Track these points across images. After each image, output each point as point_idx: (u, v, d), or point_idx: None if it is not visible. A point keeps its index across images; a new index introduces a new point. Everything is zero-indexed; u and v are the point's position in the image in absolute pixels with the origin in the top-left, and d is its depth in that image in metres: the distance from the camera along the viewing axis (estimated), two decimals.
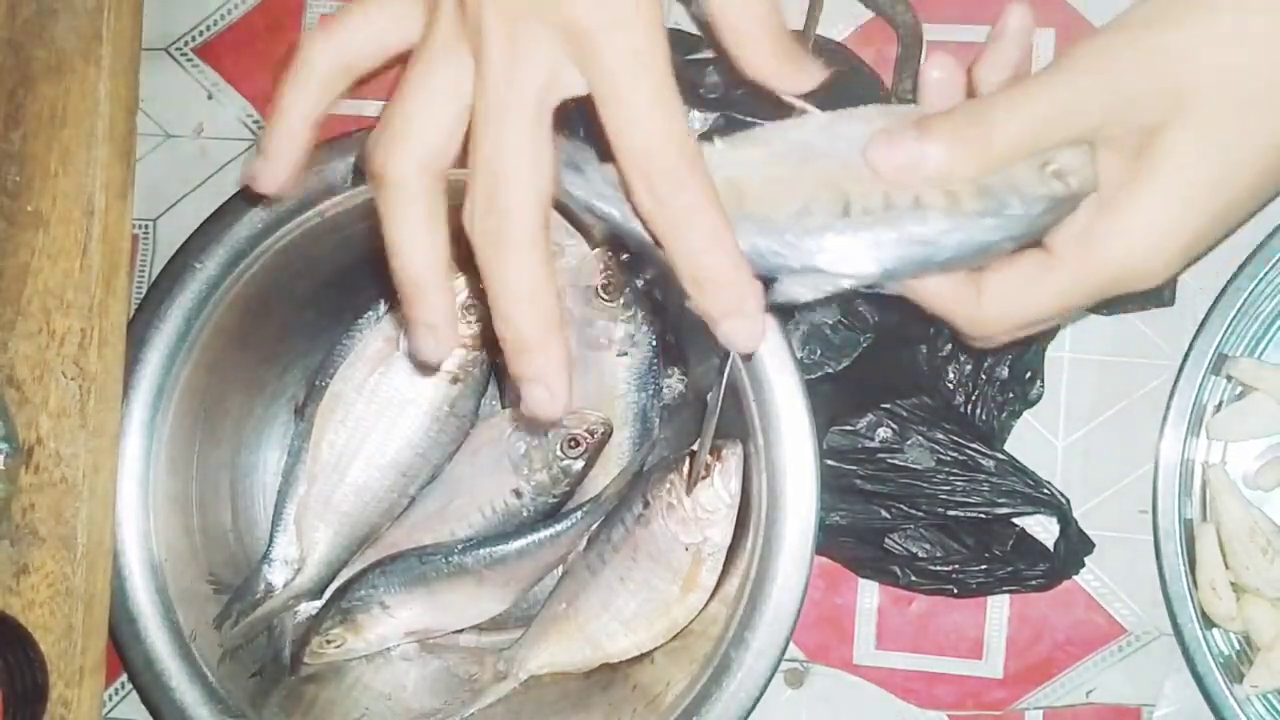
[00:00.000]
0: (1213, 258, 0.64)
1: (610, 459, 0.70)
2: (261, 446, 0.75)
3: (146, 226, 0.76)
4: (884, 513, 0.67)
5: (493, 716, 0.68)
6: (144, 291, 0.70)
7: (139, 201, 0.73)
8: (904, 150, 0.41)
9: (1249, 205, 0.42)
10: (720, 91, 0.67)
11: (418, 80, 0.42)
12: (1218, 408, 0.66)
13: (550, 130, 0.40)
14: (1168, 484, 0.64)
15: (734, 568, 0.64)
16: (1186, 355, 0.64)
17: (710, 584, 0.65)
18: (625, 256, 0.68)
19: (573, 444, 0.68)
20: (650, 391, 0.70)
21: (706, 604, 0.66)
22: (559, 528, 0.68)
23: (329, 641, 0.70)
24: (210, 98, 0.77)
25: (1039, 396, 0.68)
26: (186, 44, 0.77)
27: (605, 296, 0.67)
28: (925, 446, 0.67)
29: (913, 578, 0.68)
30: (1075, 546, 0.67)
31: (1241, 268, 0.63)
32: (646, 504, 0.65)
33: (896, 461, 0.67)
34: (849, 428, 0.67)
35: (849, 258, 0.42)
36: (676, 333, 0.70)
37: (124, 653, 0.67)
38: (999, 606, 0.70)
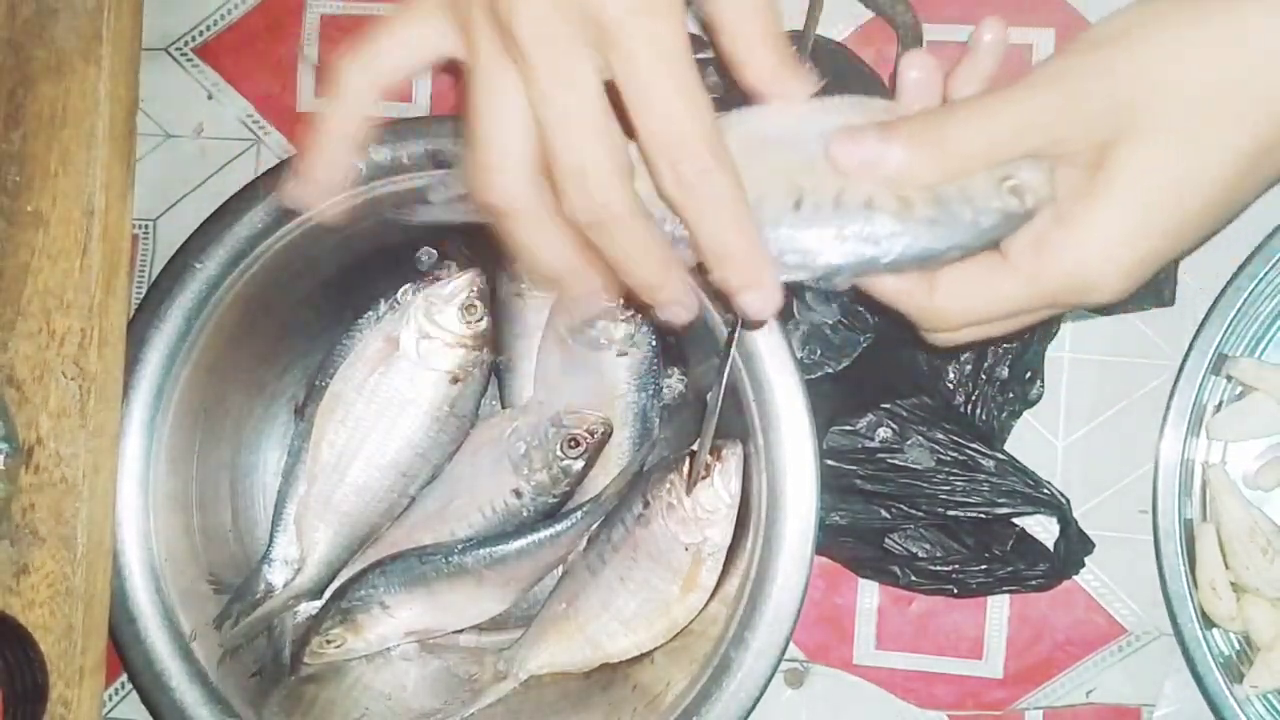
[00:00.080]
0: (1213, 258, 0.65)
1: (610, 459, 0.70)
2: (261, 446, 0.75)
3: (146, 226, 0.76)
4: (884, 513, 0.67)
5: (493, 716, 0.68)
6: (144, 291, 0.70)
7: (139, 201, 0.74)
8: (865, 148, 0.42)
9: (1205, 221, 0.43)
10: (720, 91, 0.67)
11: (481, 107, 0.43)
12: (1218, 408, 0.66)
13: (611, 110, 0.42)
14: (1168, 484, 0.64)
15: (734, 568, 0.64)
16: (1186, 355, 0.64)
17: (710, 584, 0.65)
18: None
19: (573, 444, 0.68)
20: (650, 391, 0.70)
21: (706, 604, 0.66)
22: (559, 528, 0.68)
23: (329, 641, 0.70)
24: (210, 98, 0.77)
25: (1039, 396, 0.68)
26: (186, 44, 0.77)
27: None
28: (925, 446, 0.67)
29: (913, 578, 0.68)
30: (1075, 546, 0.67)
31: (1241, 268, 0.63)
32: (646, 504, 0.65)
33: (896, 461, 0.67)
34: (849, 428, 0.67)
35: (797, 251, 0.43)
36: (676, 333, 0.70)
37: (124, 653, 0.67)
38: (999, 606, 0.70)
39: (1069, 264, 0.43)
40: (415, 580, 0.69)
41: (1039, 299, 0.44)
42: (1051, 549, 0.68)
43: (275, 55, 0.76)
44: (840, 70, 0.68)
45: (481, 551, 0.69)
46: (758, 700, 0.62)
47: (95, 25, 0.68)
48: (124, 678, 0.73)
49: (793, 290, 0.65)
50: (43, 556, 0.67)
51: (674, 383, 0.72)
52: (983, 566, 0.67)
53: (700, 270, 0.44)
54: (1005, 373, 0.68)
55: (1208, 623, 0.64)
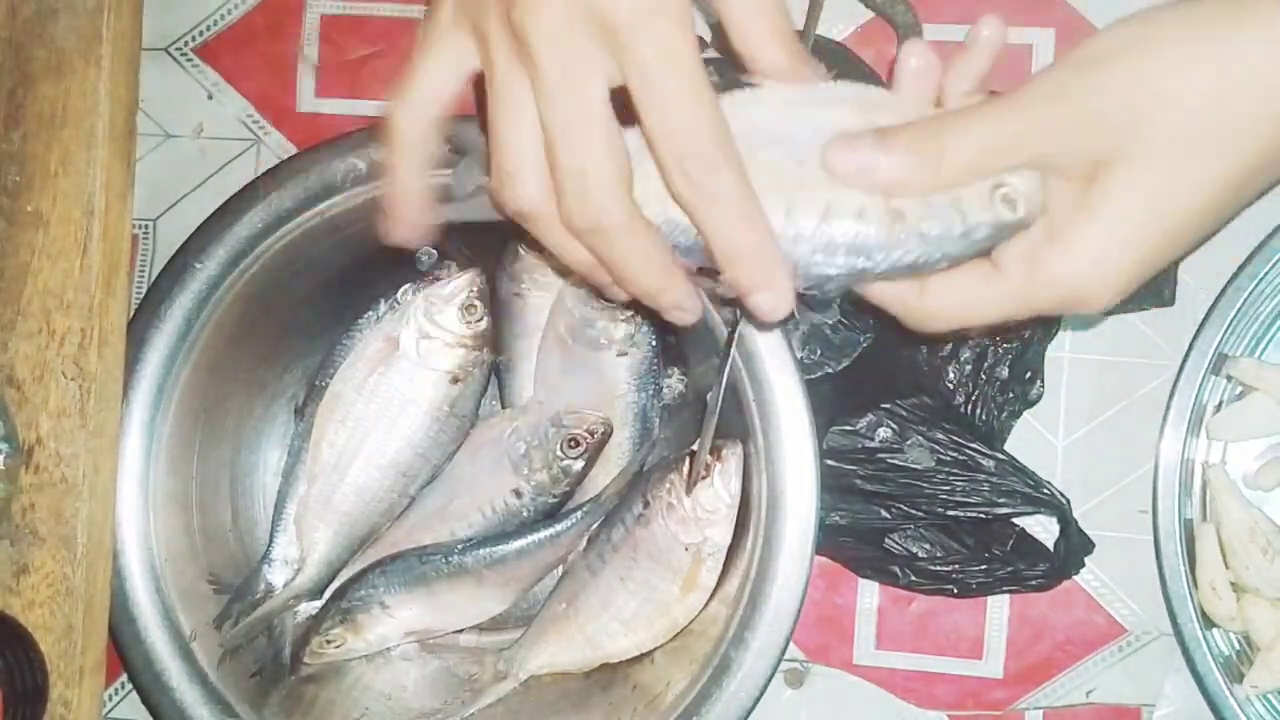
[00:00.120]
0: (1213, 258, 0.65)
1: (610, 459, 0.70)
2: (261, 446, 0.75)
3: (146, 226, 0.76)
4: (884, 513, 0.67)
5: (493, 716, 0.68)
6: (144, 291, 0.70)
7: (139, 201, 0.74)
8: (861, 155, 0.42)
9: (1194, 236, 0.43)
10: (720, 91, 0.67)
11: (498, 115, 0.44)
12: (1218, 408, 0.66)
13: (614, 119, 0.42)
14: (1168, 484, 0.64)
15: (734, 568, 0.64)
16: (1186, 355, 0.64)
17: (710, 584, 0.65)
18: None
19: (573, 444, 0.68)
20: (650, 391, 0.70)
21: (706, 604, 0.66)
22: (559, 528, 0.68)
23: (329, 641, 0.70)
24: (210, 98, 0.77)
25: (1039, 396, 0.68)
26: (186, 44, 0.77)
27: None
28: (925, 446, 0.67)
29: (913, 578, 0.68)
30: (1075, 546, 0.67)
31: (1241, 268, 0.63)
32: (646, 504, 0.65)
33: (896, 461, 0.67)
34: (849, 428, 0.67)
35: (789, 260, 0.43)
36: (676, 333, 0.70)
37: (124, 653, 0.67)
38: (999, 606, 0.70)
39: (1060, 278, 0.44)
40: (415, 580, 0.69)
41: (1028, 308, 0.45)
42: (1051, 549, 0.68)
43: (275, 55, 0.76)
44: (840, 70, 0.68)
45: (481, 551, 0.68)
46: (758, 700, 0.62)
47: (95, 25, 0.68)
48: (124, 678, 0.73)
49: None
50: (43, 556, 0.67)
51: (674, 383, 0.72)
52: (983, 566, 0.67)
53: (703, 274, 0.45)
54: (1005, 373, 0.68)
55: (1208, 623, 0.64)
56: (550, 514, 0.70)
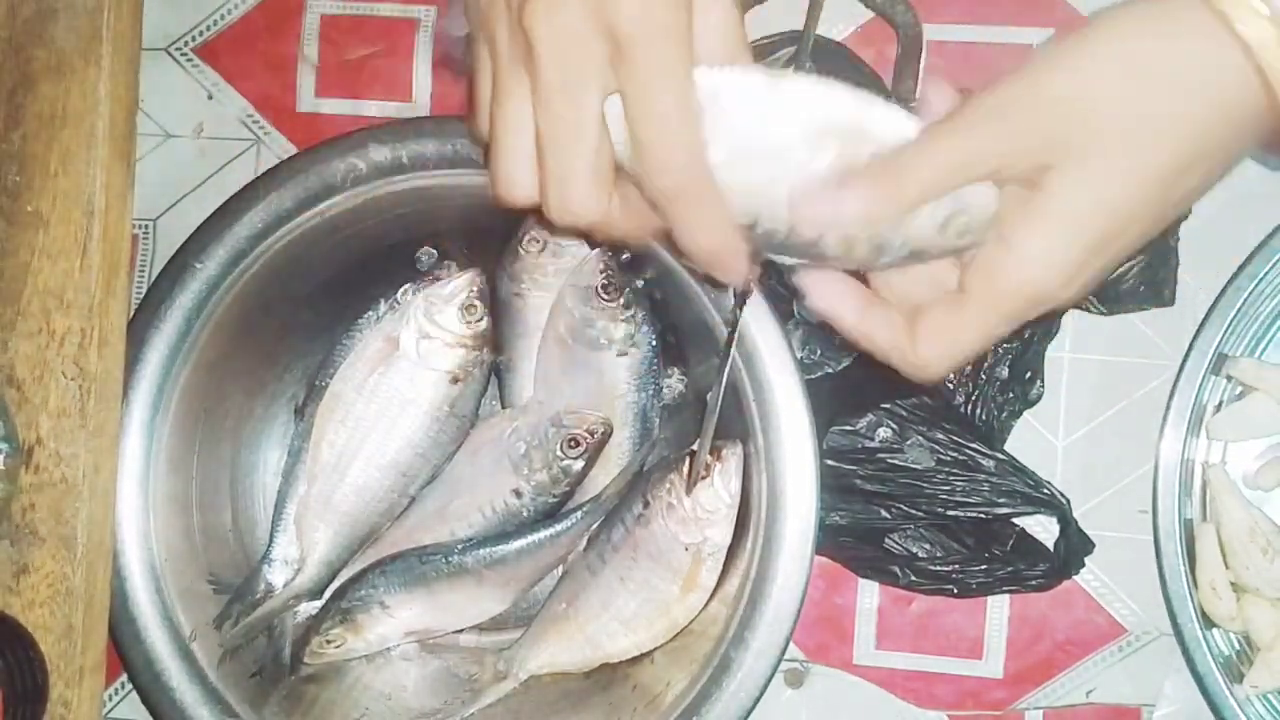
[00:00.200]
0: (1213, 257, 0.65)
1: (610, 459, 0.70)
2: (261, 446, 0.75)
3: (146, 226, 0.76)
4: (884, 513, 0.67)
5: (493, 716, 0.68)
6: (144, 291, 0.70)
7: (139, 201, 0.74)
8: (824, 204, 0.45)
9: (1138, 229, 0.45)
10: None
11: (498, 115, 0.47)
12: (1218, 408, 0.66)
13: (605, 128, 0.46)
14: (1168, 484, 0.64)
15: (734, 568, 0.64)
16: (1186, 355, 0.64)
17: (710, 584, 0.65)
18: (625, 256, 0.68)
19: (573, 444, 0.68)
20: (650, 391, 0.70)
21: (706, 604, 0.66)
22: (559, 528, 0.68)
23: (329, 641, 0.70)
24: (210, 98, 0.77)
25: (1039, 396, 0.68)
26: (186, 44, 0.77)
27: (605, 296, 0.67)
28: (925, 446, 0.67)
29: (913, 578, 0.68)
30: (1075, 546, 0.67)
31: (1241, 268, 0.63)
32: (646, 504, 0.65)
33: (896, 461, 0.67)
34: (849, 428, 0.67)
35: (748, 248, 0.47)
36: (676, 333, 0.70)
37: (124, 653, 0.67)
38: (999, 606, 0.70)
39: (1016, 281, 0.46)
40: (415, 580, 0.69)
41: (1001, 320, 0.47)
42: (1051, 549, 0.68)
43: (275, 55, 0.76)
44: (840, 70, 0.68)
45: (481, 551, 0.68)
46: (758, 700, 0.62)
47: (95, 25, 0.68)
48: (124, 678, 0.73)
49: (793, 291, 0.65)
50: (43, 556, 0.67)
51: (674, 383, 0.72)
52: (983, 566, 0.67)
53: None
54: (1005, 373, 0.68)
55: (1208, 623, 0.64)
56: (550, 514, 0.70)
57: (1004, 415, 0.68)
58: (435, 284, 0.69)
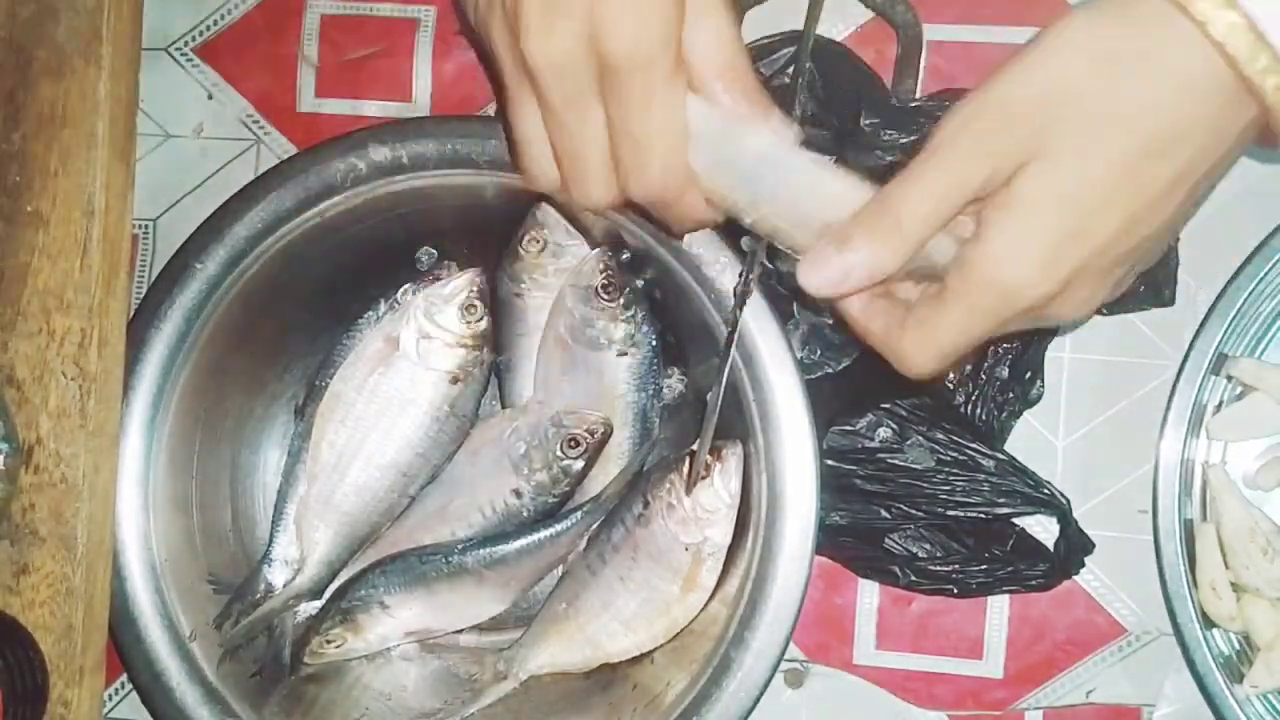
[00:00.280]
0: (1213, 258, 0.65)
1: (610, 459, 0.70)
2: (261, 446, 0.75)
3: (146, 226, 0.76)
4: (884, 513, 0.67)
5: (493, 716, 0.68)
6: (144, 291, 0.70)
7: (139, 201, 0.74)
8: (831, 268, 0.47)
9: (1107, 218, 0.45)
10: None
11: (515, 121, 0.51)
12: (1218, 408, 0.66)
13: (608, 141, 0.50)
14: (1168, 484, 0.64)
15: (734, 568, 0.64)
16: (1186, 355, 0.64)
17: (710, 584, 0.65)
18: (625, 256, 0.68)
19: (573, 444, 0.68)
20: (650, 391, 0.70)
21: (706, 604, 0.66)
22: (559, 528, 0.68)
23: (329, 641, 0.70)
24: (210, 98, 0.77)
25: (1039, 396, 0.68)
26: (186, 44, 0.77)
27: (605, 296, 0.67)
28: (925, 446, 0.67)
29: (913, 578, 0.68)
30: (1075, 546, 0.67)
31: (1241, 268, 0.63)
32: (646, 504, 0.65)
33: (896, 461, 0.67)
34: (849, 428, 0.67)
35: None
36: (676, 333, 0.70)
37: (124, 653, 0.67)
38: (999, 606, 0.70)
39: (989, 274, 0.46)
40: (415, 580, 0.69)
41: (985, 313, 0.47)
42: (1051, 549, 0.68)
43: (275, 55, 0.76)
44: (840, 70, 0.68)
45: (481, 551, 0.68)
46: (758, 700, 0.62)
47: (95, 25, 0.68)
48: (124, 678, 0.73)
49: (792, 291, 0.65)
50: (43, 556, 0.67)
51: (674, 383, 0.72)
52: (983, 566, 0.67)
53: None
54: (1005, 373, 0.68)
55: (1208, 623, 0.64)
56: (550, 514, 0.70)
57: (1004, 415, 0.68)
58: (435, 284, 0.69)
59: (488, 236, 0.70)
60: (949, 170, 0.46)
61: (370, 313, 0.71)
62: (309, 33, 0.76)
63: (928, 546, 0.68)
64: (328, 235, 0.67)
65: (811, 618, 0.71)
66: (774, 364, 0.61)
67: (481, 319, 0.68)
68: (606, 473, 0.70)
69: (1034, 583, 0.67)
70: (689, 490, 0.64)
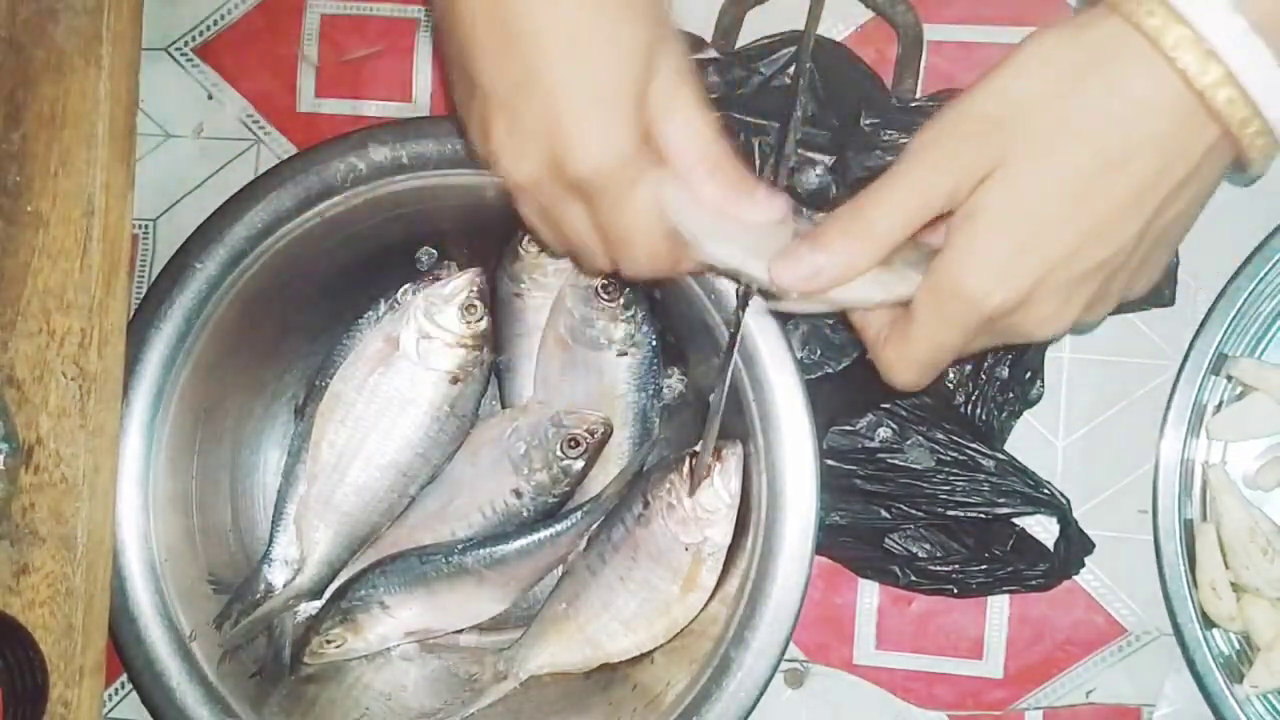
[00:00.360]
0: (1213, 258, 0.65)
1: (610, 459, 0.70)
2: (261, 446, 0.75)
3: (146, 226, 0.76)
4: (884, 513, 0.67)
5: (493, 716, 0.68)
6: (144, 291, 0.70)
7: (139, 201, 0.74)
8: (803, 264, 0.49)
9: (1068, 226, 0.46)
10: (720, 91, 0.67)
11: (525, 219, 0.55)
12: (1218, 408, 0.66)
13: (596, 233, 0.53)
14: (1168, 484, 0.64)
15: (734, 568, 0.64)
16: (1186, 355, 0.64)
17: (710, 584, 0.65)
18: None
19: (573, 444, 0.68)
20: (650, 391, 0.70)
21: (706, 604, 0.66)
22: (559, 528, 0.68)
23: (329, 641, 0.70)
24: (210, 98, 0.77)
25: (1039, 396, 0.68)
26: (186, 44, 0.77)
27: (605, 296, 0.67)
28: (925, 446, 0.67)
29: (913, 578, 0.68)
30: (1075, 546, 0.67)
31: (1241, 268, 0.63)
32: (646, 504, 0.65)
33: (896, 461, 0.67)
34: (849, 428, 0.67)
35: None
36: (676, 333, 0.70)
37: (124, 653, 0.67)
38: (999, 606, 0.70)
39: (950, 283, 0.47)
40: (415, 580, 0.69)
41: (951, 324, 0.48)
42: (1051, 549, 0.67)
43: (275, 55, 0.76)
44: (840, 70, 0.68)
45: (481, 551, 0.68)
46: (758, 700, 0.62)
47: (95, 25, 0.68)
48: (124, 678, 0.73)
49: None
50: (43, 556, 0.67)
51: (674, 383, 0.72)
52: (983, 566, 0.67)
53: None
54: (1005, 373, 0.68)
55: (1208, 623, 0.64)
56: (550, 514, 0.70)
57: (1004, 415, 0.68)
58: (435, 284, 0.69)
59: (488, 236, 0.70)
60: (917, 180, 0.47)
61: (370, 313, 0.71)
62: (309, 33, 0.76)
63: (928, 546, 0.68)
64: (328, 235, 0.67)
65: (811, 618, 0.71)
66: (774, 364, 0.61)
67: (481, 319, 0.68)
68: (606, 473, 0.70)
69: (1034, 583, 0.67)
70: (689, 490, 0.64)
